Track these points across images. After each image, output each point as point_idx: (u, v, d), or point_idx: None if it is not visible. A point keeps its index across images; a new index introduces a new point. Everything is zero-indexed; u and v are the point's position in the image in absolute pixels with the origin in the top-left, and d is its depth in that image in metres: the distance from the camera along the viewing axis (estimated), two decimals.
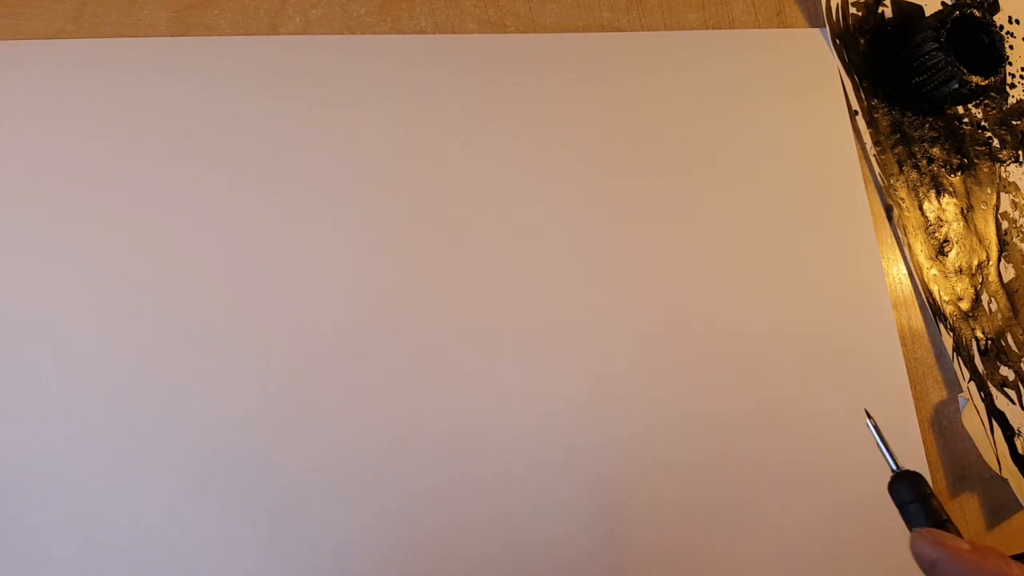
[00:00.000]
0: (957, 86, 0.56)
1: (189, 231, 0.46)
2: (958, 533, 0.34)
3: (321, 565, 0.43)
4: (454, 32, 0.53)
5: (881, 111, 0.59)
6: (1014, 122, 0.61)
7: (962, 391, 0.56)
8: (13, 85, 0.47)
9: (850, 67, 0.58)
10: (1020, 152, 0.61)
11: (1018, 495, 0.54)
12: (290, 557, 0.43)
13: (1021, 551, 0.55)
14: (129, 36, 0.49)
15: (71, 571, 0.41)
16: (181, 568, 0.42)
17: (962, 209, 0.59)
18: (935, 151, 0.59)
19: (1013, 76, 0.62)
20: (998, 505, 0.55)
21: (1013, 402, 0.56)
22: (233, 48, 0.50)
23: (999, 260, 0.59)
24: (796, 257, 0.54)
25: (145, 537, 0.42)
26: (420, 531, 0.45)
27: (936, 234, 0.58)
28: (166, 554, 0.42)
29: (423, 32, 0.53)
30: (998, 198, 0.60)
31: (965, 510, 0.55)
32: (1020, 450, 0.55)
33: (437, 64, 0.52)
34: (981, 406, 0.56)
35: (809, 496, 0.51)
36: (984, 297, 0.58)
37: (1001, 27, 0.62)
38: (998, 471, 0.55)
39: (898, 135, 0.59)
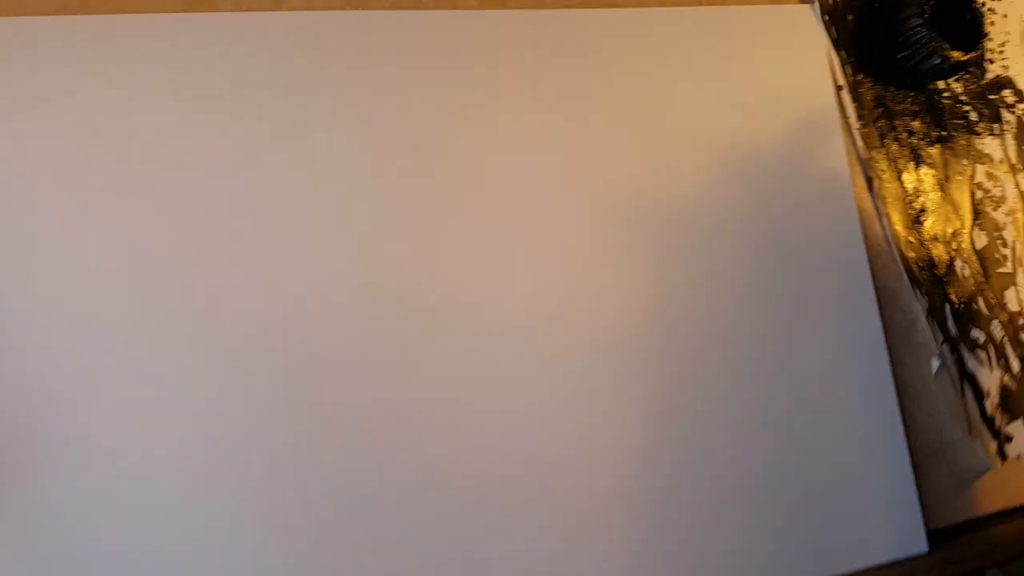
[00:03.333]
0: (939, 61, 0.58)
1: (195, 207, 0.47)
2: None
3: (316, 558, 0.45)
4: (454, 7, 0.54)
5: (866, 86, 0.61)
6: (991, 96, 0.64)
7: (935, 353, 0.59)
8: (17, 61, 0.47)
9: (838, 43, 0.60)
10: (995, 125, 0.63)
11: (986, 455, 0.58)
12: (288, 548, 0.45)
13: (988, 512, 0.59)
14: (132, 12, 0.49)
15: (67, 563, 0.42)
16: (177, 560, 0.43)
17: (939, 180, 0.61)
18: (915, 124, 0.62)
19: (992, 52, 0.64)
20: (968, 466, 0.59)
21: (983, 364, 0.60)
22: (236, 24, 0.50)
23: (972, 228, 0.62)
24: (780, 227, 0.57)
25: (143, 532, 0.43)
26: (411, 525, 0.47)
27: (914, 203, 0.61)
28: (163, 548, 0.43)
29: (424, 8, 0.53)
30: (974, 169, 0.62)
31: (938, 473, 0.58)
32: (989, 411, 0.59)
33: (437, 39, 0.53)
34: (953, 368, 0.59)
35: (782, 470, 0.54)
36: (958, 263, 0.61)
37: (983, 3, 0.64)
38: (968, 432, 0.58)
39: (881, 109, 0.61)
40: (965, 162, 0.62)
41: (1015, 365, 0.61)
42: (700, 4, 0.58)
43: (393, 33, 0.52)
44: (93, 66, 0.48)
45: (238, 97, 0.49)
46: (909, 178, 0.61)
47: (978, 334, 0.61)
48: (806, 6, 0.60)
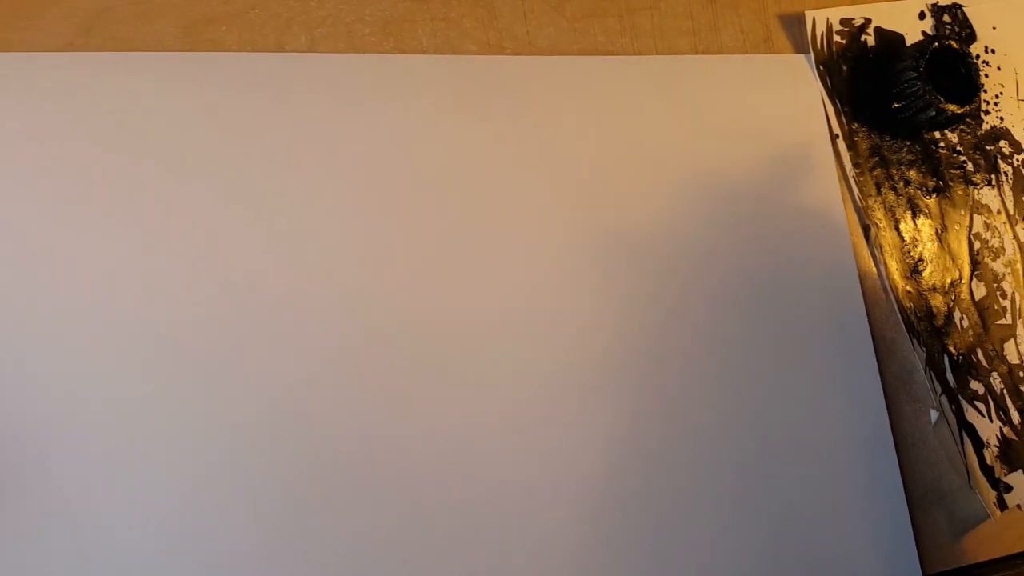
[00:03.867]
0: (934, 114, 0.59)
1: (195, 242, 0.48)
2: None
3: (319, 567, 0.45)
4: (454, 52, 0.55)
5: (861, 135, 0.61)
6: (988, 147, 0.64)
7: (934, 405, 0.58)
8: (23, 95, 0.48)
9: (832, 92, 0.61)
10: (992, 176, 0.64)
11: (985, 504, 0.57)
12: (289, 559, 0.45)
13: (984, 559, 0.58)
14: (138, 51, 0.50)
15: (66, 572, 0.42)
16: (178, 570, 0.43)
17: (936, 230, 0.61)
18: (912, 174, 0.62)
19: (987, 103, 0.65)
20: (966, 515, 0.58)
21: (982, 415, 0.59)
22: (239, 64, 0.51)
23: (971, 279, 0.62)
24: (775, 274, 0.57)
25: (141, 539, 0.43)
26: (412, 531, 0.47)
27: (911, 253, 0.61)
28: (163, 557, 0.43)
29: (424, 52, 0.54)
30: (971, 219, 0.62)
31: (937, 519, 0.57)
32: (988, 461, 0.58)
33: (437, 83, 0.54)
34: (952, 419, 0.58)
35: (778, 517, 0.54)
36: (956, 314, 0.61)
37: (977, 56, 0.65)
38: (967, 482, 0.57)
39: (877, 158, 0.61)
40: (963, 212, 0.62)
41: (1015, 417, 0.60)
42: (696, 53, 0.59)
43: (395, 76, 0.53)
44: (97, 101, 0.48)
45: (242, 135, 0.50)
46: (906, 227, 0.61)
47: (977, 386, 0.60)
48: (800, 56, 0.61)
